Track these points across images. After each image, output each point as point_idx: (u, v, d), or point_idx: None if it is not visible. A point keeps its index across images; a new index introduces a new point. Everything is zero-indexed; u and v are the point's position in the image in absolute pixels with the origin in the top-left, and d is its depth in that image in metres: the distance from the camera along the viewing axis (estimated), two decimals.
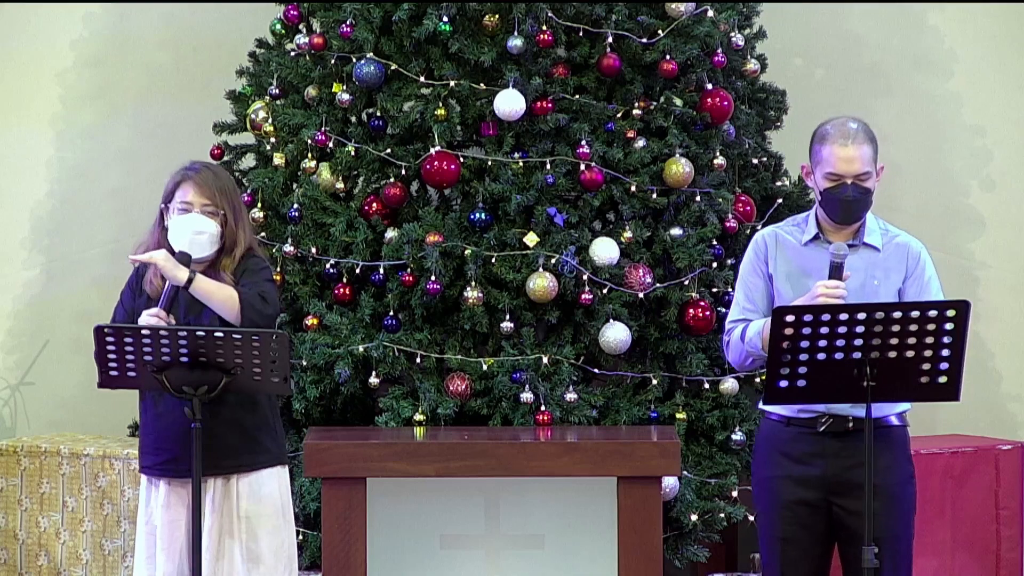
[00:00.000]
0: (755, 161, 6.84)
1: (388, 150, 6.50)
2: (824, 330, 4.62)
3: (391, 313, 6.41)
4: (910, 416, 5.12)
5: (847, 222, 4.96)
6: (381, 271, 6.42)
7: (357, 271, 6.46)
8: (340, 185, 6.59)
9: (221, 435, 5.09)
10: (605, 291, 6.37)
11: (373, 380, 6.35)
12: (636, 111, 6.53)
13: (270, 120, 6.69)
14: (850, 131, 4.94)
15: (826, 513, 5.00)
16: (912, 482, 5.06)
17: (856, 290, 4.91)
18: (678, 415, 6.43)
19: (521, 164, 6.43)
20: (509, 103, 6.36)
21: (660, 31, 6.52)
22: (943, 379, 4.69)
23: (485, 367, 6.33)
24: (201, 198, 5.10)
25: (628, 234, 6.42)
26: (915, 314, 4.62)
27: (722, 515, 6.43)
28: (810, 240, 5.03)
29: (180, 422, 4.95)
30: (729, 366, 6.51)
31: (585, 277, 6.34)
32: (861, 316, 4.61)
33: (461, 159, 6.42)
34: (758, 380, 6.56)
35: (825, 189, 4.94)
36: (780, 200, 6.80)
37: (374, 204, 6.54)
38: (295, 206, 6.54)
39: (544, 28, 6.42)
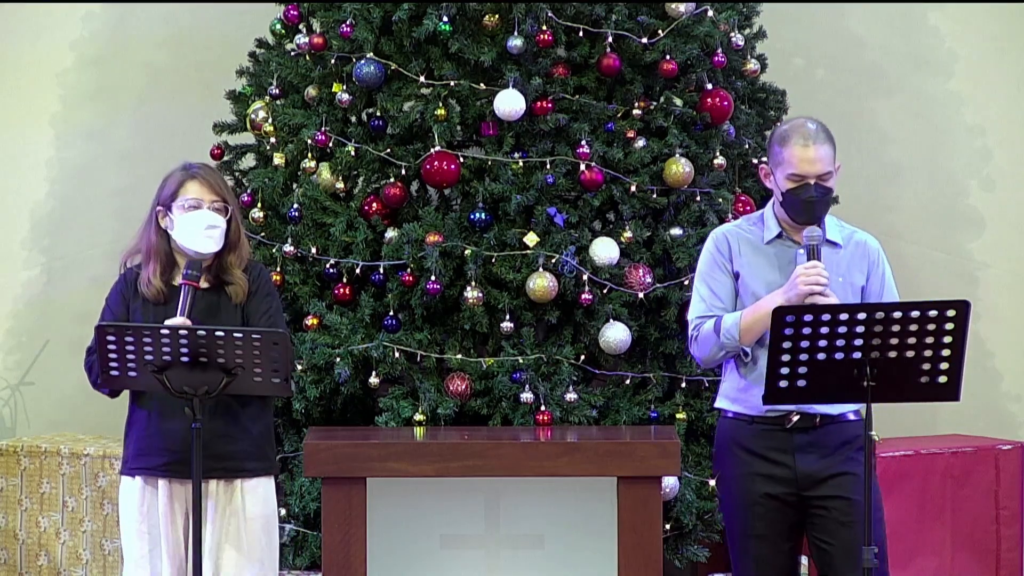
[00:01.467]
0: (755, 161, 6.84)
1: (388, 150, 6.50)
2: (824, 330, 4.62)
3: (391, 313, 6.41)
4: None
5: (810, 222, 4.99)
6: (381, 271, 6.42)
7: (357, 271, 6.46)
8: (340, 185, 6.60)
9: (232, 439, 5.10)
10: (605, 291, 6.37)
11: (373, 380, 6.35)
12: (636, 111, 6.53)
13: (270, 120, 6.69)
14: (810, 132, 4.98)
15: (796, 507, 5.04)
16: (872, 474, 5.07)
17: None
18: (678, 415, 6.44)
19: (521, 164, 6.43)
20: (509, 103, 6.36)
21: (660, 31, 6.52)
22: (943, 379, 4.70)
23: (485, 367, 6.33)
24: (210, 194, 5.13)
25: (628, 234, 6.42)
26: (915, 314, 4.63)
27: (722, 515, 6.43)
28: (773, 238, 5.06)
29: (189, 423, 4.95)
30: None
31: (585, 277, 6.34)
32: (861, 316, 4.62)
33: (461, 159, 6.42)
34: None
35: (788, 190, 4.98)
36: None
37: (374, 204, 6.54)
38: (295, 206, 6.55)
39: (544, 28, 6.42)
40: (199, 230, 5.09)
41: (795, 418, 5.01)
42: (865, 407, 4.74)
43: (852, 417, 5.08)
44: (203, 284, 5.17)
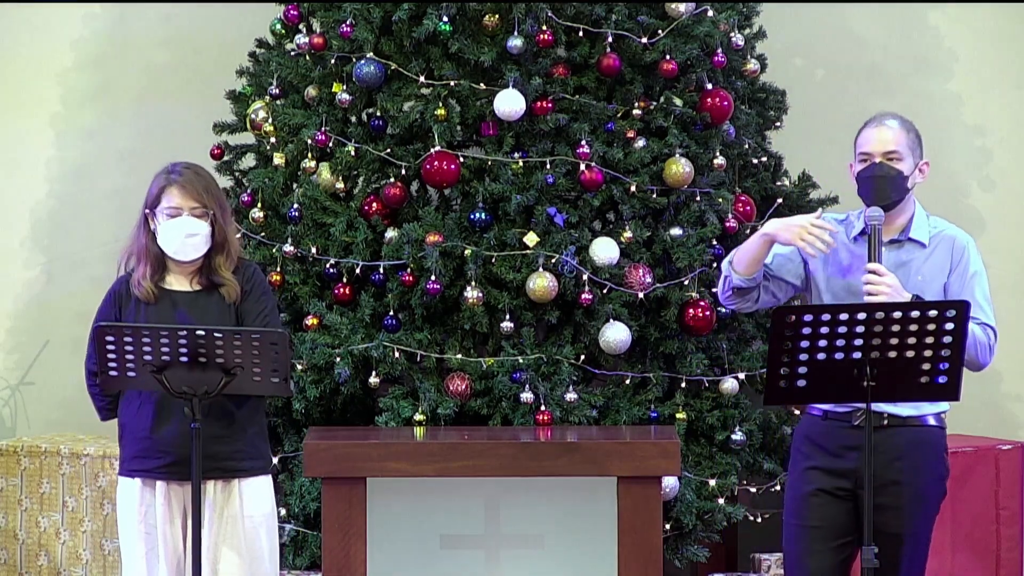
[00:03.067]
0: (755, 161, 6.84)
1: (388, 150, 6.50)
2: (824, 330, 4.62)
3: (391, 313, 6.41)
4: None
5: (878, 201, 4.94)
6: (381, 271, 6.42)
7: (357, 271, 6.46)
8: (340, 185, 6.59)
9: (227, 440, 5.11)
10: (605, 291, 6.37)
11: (373, 380, 6.35)
12: (636, 111, 6.53)
13: (270, 120, 6.69)
14: (882, 116, 5.06)
15: (852, 505, 5.00)
16: (940, 483, 5.07)
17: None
18: (678, 415, 6.43)
19: (521, 164, 6.43)
20: (509, 103, 6.36)
21: (660, 31, 6.52)
22: (943, 379, 4.69)
23: (485, 367, 6.33)
24: (189, 201, 5.11)
25: (628, 234, 6.42)
26: (915, 314, 4.63)
27: (722, 515, 6.43)
28: (858, 235, 5.05)
29: (187, 426, 4.95)
30: (729, 366, 6.53)
31: (585, 277, 6.34)
32: (861, 316, 4.62)
33: (461, 159, 6.42)
34: (758, 379, 6.57)
35: (857, 172, 4.99)
36: (780, 200, 6.80)
37: (374, 204, 6.54)
38: (295, 206, 6.54)
39: (544, 28, 6.42)
40: (178, 238, 5.10)
41: (861, 415, 4.99)
42: (868, 409, 4.73)
43: (932, 422, 5.05)
44: (195, 286, 5.18)
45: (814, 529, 5.03)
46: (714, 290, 6.52)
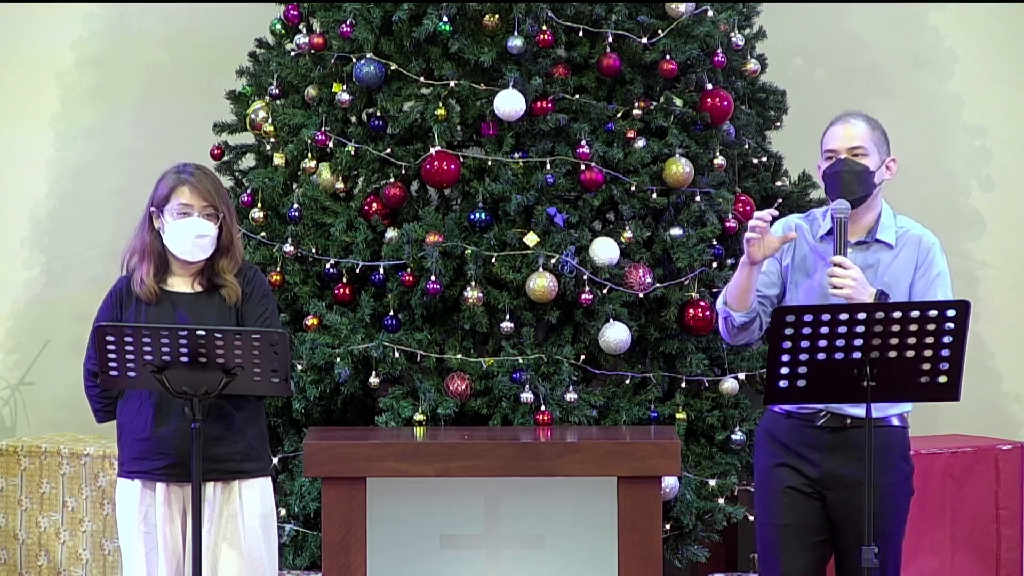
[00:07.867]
0: (755, 161, 6.84)
1: (388, 150, 6.50)
2: (824, 330, 4.62)
3: (391, 313, 6.41)
4: (911, 416, 5.14)
5: (845, 196, 4.95)
6: (381, 271, 6.42)
7: (357, 271, 6.46)
8: (340, 185, 6.60)
9: (227, 441, 5.11)
10: (605, 291, 6.37)
11: (373, 380, 6.35)
12: (636, 111, 6.53)
13: (270, 120, 6.69)
14: (847, 113, 5.09)
15: (821, 503, 5.03)
16: (907, 483, 5.08)
17: None
18: (678, 415, 6.44)
19: (521, 164, 6.43)
20: (509, 103, 6.36)
21: (660, 31, 6.52)
22: (943, 379, 4.69)
23: (485, 367, 6.33)
24: (201, 201, 5.11)
25: (628, 234, 6.42)
26: (915, 314, 4.63)
27: (722, 515, 6.43)
28: (825, 235, 5.06)
29: (186, 427, 4.95)
30: (729, 366, 6.54)
31: (585, 277, 6.34)
32: (861, 316, 4.62)
33: (461, 159, 6.42)
34: (758, 379, 6.57)
35: (824, 169, 5.00)
36: (780, 200, 6.80)
37: (374, 204, 6.54)
38: (295, 206, 6.55)
39: (544, 28, 6.42)
40: (188, 239, 5.10)
41: (824, 415, 5.01)
42: (868, 410, 4.73)
43: (896, 423, 5.06)
44: (196, 288, 5.19)
45: (787, 528, 5.05)
46: (715, 290, 6.54)
